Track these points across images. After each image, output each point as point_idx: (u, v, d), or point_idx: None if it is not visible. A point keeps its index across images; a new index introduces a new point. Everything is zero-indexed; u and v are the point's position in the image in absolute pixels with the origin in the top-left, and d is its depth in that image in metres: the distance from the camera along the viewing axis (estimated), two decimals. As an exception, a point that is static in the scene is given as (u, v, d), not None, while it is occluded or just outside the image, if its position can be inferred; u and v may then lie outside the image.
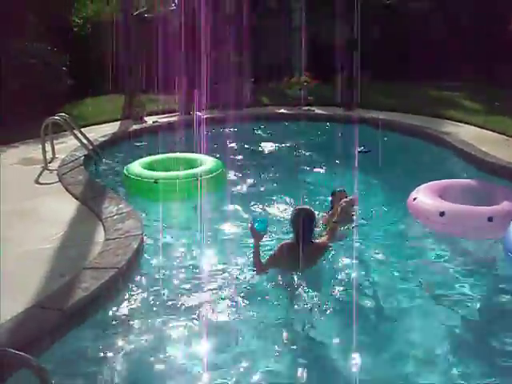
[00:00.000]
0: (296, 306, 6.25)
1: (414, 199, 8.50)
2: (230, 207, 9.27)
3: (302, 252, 6.61)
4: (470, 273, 7.05)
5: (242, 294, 6.50)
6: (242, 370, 5.25)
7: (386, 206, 9.32)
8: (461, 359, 5.44)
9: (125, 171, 10.01)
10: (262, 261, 6.73)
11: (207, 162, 10.21)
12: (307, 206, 7.25)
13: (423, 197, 8.46)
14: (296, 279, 6.58)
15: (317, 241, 7.09)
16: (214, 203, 9.35)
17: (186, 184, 9.44)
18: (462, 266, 7.25)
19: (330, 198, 8.60)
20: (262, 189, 10.47)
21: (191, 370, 5.28)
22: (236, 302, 6.38)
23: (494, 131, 14.05)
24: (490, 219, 7.67)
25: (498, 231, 7.49)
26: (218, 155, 10.86)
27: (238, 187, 10.49)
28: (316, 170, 11.93)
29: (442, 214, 7.95)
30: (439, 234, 8.11)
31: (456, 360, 5.43)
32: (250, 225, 6.72)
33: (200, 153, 10.81)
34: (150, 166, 10.10)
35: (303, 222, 6.77)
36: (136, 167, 9.98)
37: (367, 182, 10.59)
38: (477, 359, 5.45)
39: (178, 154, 10.92)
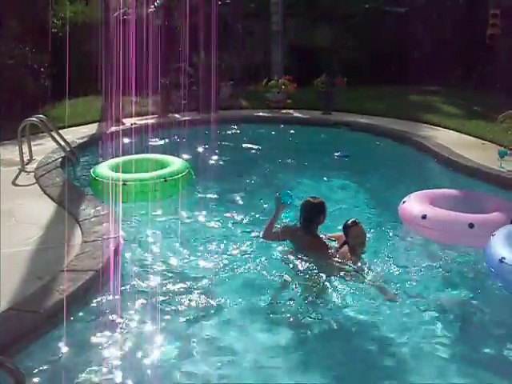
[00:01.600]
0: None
1: (404, 202, 8.67)
2: (199, 206, 9.45)
3: (299, 236, 7.36)
4: (446, 281, 7.11)
5: (222, 291, 6.70)
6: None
7: (363, 211, 9.39)
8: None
9: (92, 173, 10.06)
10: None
11: (174, 163, 10.37)
12: (319, 199, 7.43)
13: (412, 201, 8.62)
14: (298, 259, 7.10)
15: (321, 235, 7.44)
16: (181, 203, 9.43)
17: (153, 185, 9.55)
18: (440, 273, 7.30)
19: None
20: (228, 189, 10.52)
21: (172, 370, 5.34)
22: (215, 299, 6.51)
23: (471, 135, 14.23)
24: (471, 226, 7.73)
25: (479, 239, 7.52)
26: (190, 156, 11.01)
27: (207, 187, 10.52)
28: (288, 172, 11.97)
29: (424, 216, 8.09)
30: (421, 239, 8.22)
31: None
32: (277, 194, 7.50)
33: (174, 155, 10.92)
34: (117, 168, 10.16)
35: (304, 208, 7.39)
36: (103, 169, 10.06)
37: (344, 186, 10.69)
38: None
39: (145, 156, 11.02)
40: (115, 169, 10.09)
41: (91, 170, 10.23)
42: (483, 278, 7.12)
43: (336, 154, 12.78)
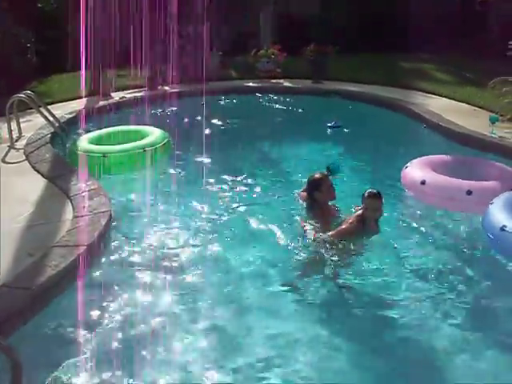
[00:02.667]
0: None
1: (406, 168, 8.72)
2: (179, 176, 9.59)
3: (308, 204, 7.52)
4: (444, 248, 7.15)
5: (214, 260, 6.82)
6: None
7: (358, 181, 9.31)
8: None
9: (72, 147, 10.16)
10: None
11: (153, 133, 10.47)
12: (316, 175, 7.41)
13: (414, 167, 8.66)
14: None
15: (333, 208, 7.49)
16: (161, 172, 9.75)
17: (133, 156, 9.64)
18: (438, 239, 7.36)
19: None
20: (209, 160, 10.43)
21: (165, 344, 5.34)
22: (207, 270, 6.60)
23: (462, 102, 14.21)
24: (468, 193, 7.74)
25: (477, 206, 7.55)
26: (176, 128, 11.05)
27: (188, 158, 10.48)
28: (279, 143, 11.94)
29: (423, 182, 8.15)
30: (421, 205, 8.27)
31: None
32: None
33: (160, 126, 10.93)
34: (97, 141, 10.27)
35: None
36: (83, 142, 10.14)
37: (338, 156, 10.65)
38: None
39: (124, 127, 11.10)
40: (95, 141, 10.21)
41: (71, 144, 10.38)
42: (481, 245, 7.13)
43: (329, 124, 12.72)
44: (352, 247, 6.72)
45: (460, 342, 5.41)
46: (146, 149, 9.80)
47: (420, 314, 5.85)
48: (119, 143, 10.07)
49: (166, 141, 10.32)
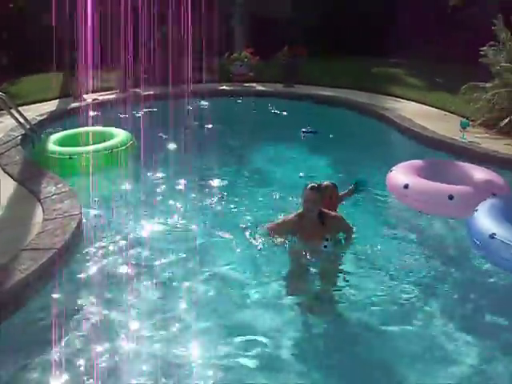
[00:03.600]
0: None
1: (391, 171, 8.80)
2: (147, 176, 9.66)
3: None
4: (427, 253, 7.14)
5: (186, 262, 6.80)
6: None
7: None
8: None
9: (39, 148, 10.27)
10: None
11: (119, 135, 10.58)
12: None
13: (398, 171, 8.74)
14: None
15: None
16: (127, 173, 9.72)
17: (97, 157, 9.71)
18: (420, 243, 7.39)
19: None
20: (175, 162, 10.48)
21: (137, 349, 5.32)
22: (179, 272, 6.59)
23: (433, 106, 14.34)
24: (450, 197, 7.81)
25: (459, 211, 7.68)
26: (144, 130, 11.07)
27: (153, 159, 10.37)
28: (251, 149, 11.87)
29: (406, 186, 8.21)
30: (404, 208, 8.35)
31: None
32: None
33: (128, 128, 11.03)
34: (63, 142, 10.35)
35: None
36: (49, 144, 10.22)
37: (311, 162, 10.73)
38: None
39: (90, 128, 11.23)
40: (60, 143, 10.31)
41: (38, 146, 10.44)
42: (465, 250, 7.18)
43: (303, 129, 12.72)
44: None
45: (439, 349, 5.42)
46: (113, 150, 9.94)
47: (403, 319, 5.86)
48: (85, 145, 10.20)
49: (130, 142, 10.42)
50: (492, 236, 6.65)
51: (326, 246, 6.75)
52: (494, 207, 7.24)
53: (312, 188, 6.82)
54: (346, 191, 8.18)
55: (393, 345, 5.47)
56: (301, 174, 9.56)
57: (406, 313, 5.94)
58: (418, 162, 9.15)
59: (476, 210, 7.25)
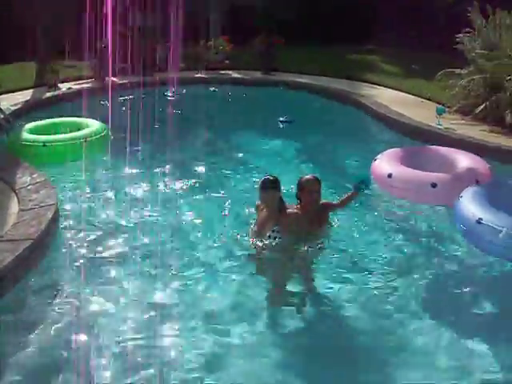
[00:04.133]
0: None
1: (375, 160, 8.80)
2: (122, 165, 9.54)
3: None
4: (413, 241, 7.16)
5: (165, 249, 6.82)
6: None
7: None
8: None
9: (13, 137, 10.25)
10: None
11: (93, 125, 10.56)
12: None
13: (382, 159, 8.74)
14: None
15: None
16: (101, 162, 9.77)
17: (71, 146, 9.72)
18: (406, 232, 7.37)
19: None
20: (149, 151, 10.38)
21: (120, 338, 5.27)
22: (158, 258, 6.59)
23: (409, 93, 14.40)
24: (433, 185, 7.86)
25: (442, 198, 7.75)
26: (118, 119, 10.79)
27: (124, 148, 10.13)
28: (227, 138, 11.78)
29: (389, 175, 8.23)
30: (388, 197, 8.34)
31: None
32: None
33: (102, 118, 10.88)
34: (37, 131, 10.33)
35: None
36: (23, 133, 10.20)
37: (288, 151, 10.72)
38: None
39: (64, 119, 11.14)
40: (34, 131, 10.28)
41: (12, 135, 10.40)
42: (451, 237, 7.22)
43: (280, 119, 12.67)
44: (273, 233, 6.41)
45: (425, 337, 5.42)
46: (87, 139, 9.91)
47: (391, 307, 5.83)
48: (58, 133, 10.19)
49: (104, 132, 10.42)
50: (479, 221, 6.67)
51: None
52: (478, 194, 7.25)
53: (316, 178, 6.78)
54: (347, 196, 7.18)
55: (383, 340, 5.42)
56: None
57: (395, 306, 5.83)
58: (402, 150, 9.19)
59: (461, 197, 7.25)
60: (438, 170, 8.31)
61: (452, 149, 9.26)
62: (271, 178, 6.54)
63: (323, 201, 6.98)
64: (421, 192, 7.95)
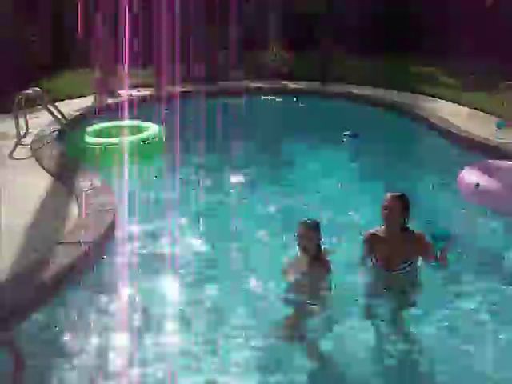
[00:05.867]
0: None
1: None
2: (182, 169, 9.60)
3: None
4: None
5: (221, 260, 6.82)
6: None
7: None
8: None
9: (75, 141, 10.58)
10: None
11: (151, 127, 10.85)
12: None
13: (469, 173, 8.90)
14: None
15: None
16: (161, 167, 9.96)
17: (133, 148, 9.94)
18: None
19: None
20: (210, 158, 10.54)
21: (175, 342, 5.40)
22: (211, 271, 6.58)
23: (466, 106, 14.17)
24: None
25: None
26: (178, 126, 10.89)
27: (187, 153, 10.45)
28: (288, 152, 11.71)
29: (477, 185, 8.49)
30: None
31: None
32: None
33: (160, 123, 11.14)
34: (97, 134, 10.62)
35: None
36: (83, 136, 10.52)
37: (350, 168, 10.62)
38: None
39: (124, 122, 11.46)
40: (95, 135, 10.57)
41: (75, 139, 10.68)
42: None
43: (345, 133, 12.27)
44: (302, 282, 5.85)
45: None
46: (146, 141, 10.26)
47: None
48: (119, 136, 10.44)
49: (161, 136, 10.67)
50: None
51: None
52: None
53: (304, 223, 5.85)
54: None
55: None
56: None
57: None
58: (489, 163, 9.25)
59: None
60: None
61: None
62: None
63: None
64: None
